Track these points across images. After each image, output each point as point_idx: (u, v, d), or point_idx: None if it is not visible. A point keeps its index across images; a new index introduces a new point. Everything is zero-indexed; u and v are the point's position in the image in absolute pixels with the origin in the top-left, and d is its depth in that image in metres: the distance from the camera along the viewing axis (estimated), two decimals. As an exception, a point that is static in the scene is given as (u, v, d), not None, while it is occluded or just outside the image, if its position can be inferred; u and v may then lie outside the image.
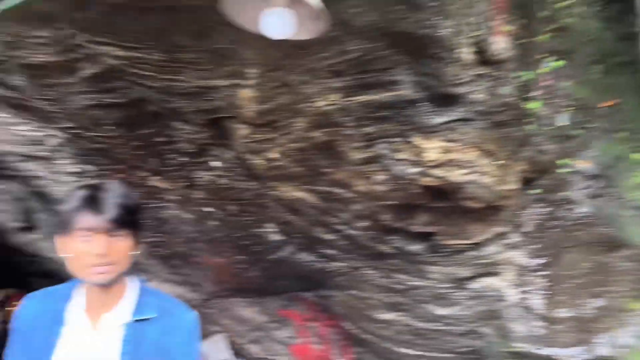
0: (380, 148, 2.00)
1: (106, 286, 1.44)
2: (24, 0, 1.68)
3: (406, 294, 2.82)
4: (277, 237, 2.96)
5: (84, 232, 1.35)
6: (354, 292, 3.00)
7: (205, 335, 4.49)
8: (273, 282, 3.47)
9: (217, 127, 2.35)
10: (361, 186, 2.20)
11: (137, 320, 1.47)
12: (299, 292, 3.49)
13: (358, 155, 2.05)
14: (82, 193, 1.41)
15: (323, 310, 3.42)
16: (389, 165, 2.06)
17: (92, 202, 1.39)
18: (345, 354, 3.56)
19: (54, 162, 3.14)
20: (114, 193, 1.41)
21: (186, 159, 2.67)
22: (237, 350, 4.53)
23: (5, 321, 6.76)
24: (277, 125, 2.18)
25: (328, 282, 3.13)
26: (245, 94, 2.04)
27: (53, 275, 5.90)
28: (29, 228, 4.79)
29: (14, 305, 6.53)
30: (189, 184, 2.86)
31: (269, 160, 2.38)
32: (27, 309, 1.51)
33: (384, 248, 2.55)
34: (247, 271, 3.42)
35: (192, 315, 1.57)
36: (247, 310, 3.95)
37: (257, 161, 2.41)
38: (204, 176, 2.74)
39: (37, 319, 1.49)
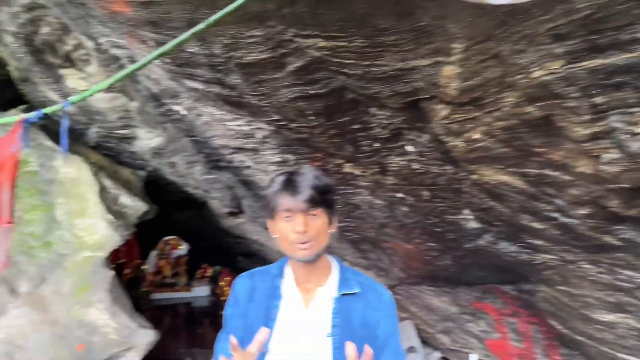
0: (613, 121, 1.70)
1: (311, 263, 1.57)
2: (240, 3, 1.82)
3: (634, 294, 2.41)
4: (474, 224, 2.79)
5: (285, 213, 1.52)
6: (565, 288, 2.67)
7: (393, 321, 4.52)
8: (467, 272, 3.30)
9: (413, 110, 2.29)
10: (584, 167, 1.91)
11: (343, 295, 1.56)
12: (497, 285, 3.25)
13: (583, 131, 1.78)
14: (281, 178, 1.58)
15: (524, 305, 3.13)
16: (623, 142, 1.74)
17: (290, 185, 1.53)
18: (550, 354, 3.22)
19: (260, 153, 3.46)
20: (307, 176, 1.54)
21: (379, 144, 2.68)
22: (425, 339, 4.47)
23: (217, 294, 7.83)
24: (481, 103, 2.03)
25: (532, 275, 2.85)
26: (448, 71, 1.93)
27: (255, 255, 6.60)
28: (236, 213, 5.43)
29: (224, 281, 7.53)
30: (381, 169, 2.87)
31: (470, 141, 2.23)
32: (244, 284, 1.69)
33: (609, 239, 2.19)
34: (439, 259, 3.30)
35: (389, 293, 1.63)
36: (437, 300, 3.84)
37: (456, 143, 2.29)
38: (396, 161, 2.72)
39: (254, 293, 1.65)
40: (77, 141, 5.36)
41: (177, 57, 2.66)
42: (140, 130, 4.98)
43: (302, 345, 1.53)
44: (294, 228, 1.49)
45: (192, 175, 5.06)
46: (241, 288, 1.67)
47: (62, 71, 4.62)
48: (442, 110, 2.16)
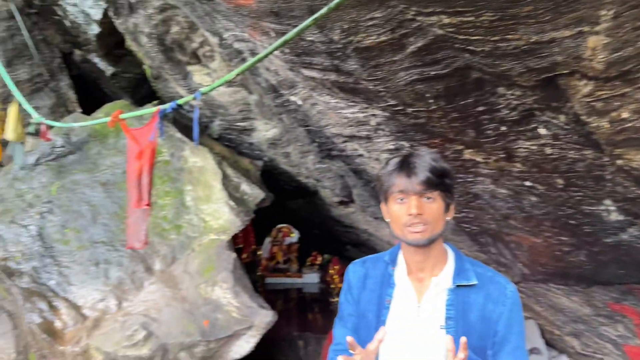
0: None
1: (425, 249, 1.51)
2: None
3: None
4: (616, 216, 2.49)
5: (399, 195, 1.46)
6: None
7: (514, 319, 4.24)
8: (604, 270, 2.97)
9: (549, 87, 2.08)
10: None
11: (458, 286, 1.49)
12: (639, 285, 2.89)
13: None
14: (396, 159, 1.53)
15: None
16: None
17: (405, 166, 1.47)
18: None
19: (373, 140, 3.42)
20: (424, 158, 1.48)
21: (506, 128, 2.49)
22: (550, 341, 4.13)
23: (326, 281, 7.98)
24: (632, 77, 1.78)
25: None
26: (594, 42, 1.72)
27: (364, 244, 6.61)
28: (346, 202, 5.47)
29: (334, 269, 7.65)
30: (506, 155, 2.67)
31: (617, 121, 1.97)
32: (356, 272, 1.67)
33: None
34: (571, 255, 3.01)
35: (514, 286, 1.53)
36: (567, 299, 3.52)
37: (600, 124, 2.04)
38: (526, 146, 2.51)
39: (367, 281, 1.63)
40: (202, 133, 5.77)
41: (296, 47, 2.71)
42: (258, 122, 5.21)
43: (415, 336, 1.48)
44: (407, 210, 1.43)
45: (304, 165, 5.18)
46: (354, 275, 1.66)
47: (190, 68, 4.98)
48: (585, 87, 1.93)
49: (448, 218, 1.51)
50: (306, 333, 5.46)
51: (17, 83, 6.11)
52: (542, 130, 2.35)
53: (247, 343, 3.48)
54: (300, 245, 8.58)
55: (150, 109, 2.80)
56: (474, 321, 1.47)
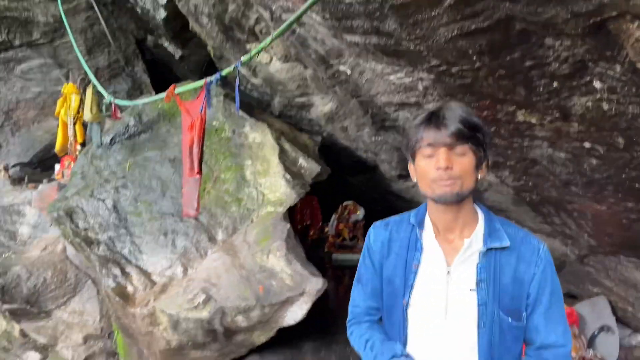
0: None
1: (454, 207, 1.43)
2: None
3: None
4: (689, 177, 2.24)
5: (427, 149, 1.38)
6: None
7: (584, 296, 3.98)
8: (680, 240, 2.69)
9: (599, 34, 1.90)
10: None
11: (489, 249, 1.42)
12: None
13: None
14: (426, 113, 1.44)
15: None
16: None
17: (434, 118, 1.40)
18: None
19: (423, 106, 3.32)
20: (455, 110, 1.39)
21: (558, 84, 2.31)
22: (622, 319, 3.83)
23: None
24: (695, 13, 1.58)
25: None
26: (645, -26, 1.54)
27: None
28: (405, 176, 5.37)
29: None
30: (562, 115, 2.49)
31: (681, 67, 1.76)
32: (379, 235, 1.59)
33: None
34: (639, 223, 2.76)
35: (546, 247, 1.45)
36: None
37: (660, 71, 1.84)
38: (581, 103, 2.32)
39: (392, 244, 1.55)
40: (264, 111, 5.92)
41: (335, 11, 2.69)
42: (315, 97, 5.24)
43: (444, 300, 1.43)
44: (436, 164, 1.35)
45: (361, 138, 5.15)
46: (376, 239, 1.59)
47: (248, 46, 5.10)
48: (638, 30, 1.74)
49: (480, 176, 1.42)
50: (367, 306, 5.46)
51: (97, 70, 6.63)
52: (597, 84, 2.15)
53: (300, 309, 3.58)
54: (366, 223, 8.59)
55: (199, 82, 2.92)
56: (506, 283, 1.40)
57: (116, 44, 6.78)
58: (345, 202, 8.58)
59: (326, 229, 8.65)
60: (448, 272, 1.43)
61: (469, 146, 1.36)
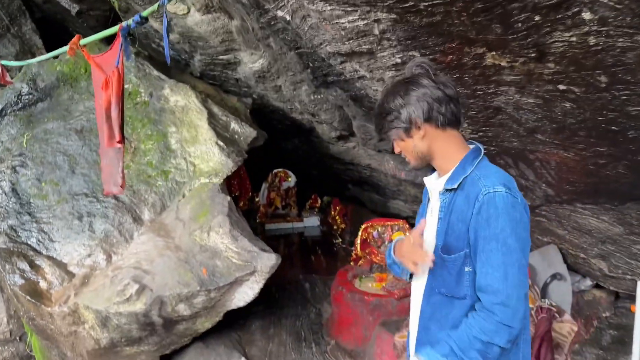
0: None
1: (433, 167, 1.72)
2: None
3: None
4: (670, 116, 2.13)
5: None
6: None
7: (534, 247, 3.98)
8: (644, 183, 2.64)
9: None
10: None
11: (447, 190, 1.58)
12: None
13: None
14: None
15: None
16: None
17: None
18: None
19: (377, 55, 2.98)
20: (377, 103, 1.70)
21: (540, 17, 2.06)
22: (572, 265, 3.89)
23: (328, 223, 7.75)
24: None
25: None
26: None
27: (366, 182, 6.27)
28: (346, 136, 5.07)
29: (335, 210, 7.38)
30: (538, 54, 2.26)
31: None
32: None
33: None
34: (607, 168, 2.67)
35: (501, 193, 1.46)
36: (595, 219, 3.22)
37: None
38: (564, 38, 2.09)
39: (425, 197, 1.82)
40: (183, 72, 5.28)
41: None
42: (243, 54, 4.71)
43: (430, 234, 1.64)
44: None
45: (298, 98, 4.74)
46: (425, 190, 1.80)
47: (161, -5, 4.42)
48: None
49: (420, 136, 1.58)
50: (312, 275, 5.24)
51: (-27, 29, 5.53)
52: (587, 15, 1.93)
53: (250, 289, 3.20)
54: (299, 189, 8.29)
55: (112, 29, 2.34)
56: (453, 222, 1.54)
57: (-5, -2, 5.68)
58: (275, 170, 8.21)
59: (257, 199, 8.24)
60: (429, 211, 1.71)
61: (389, 134, 1.64)
